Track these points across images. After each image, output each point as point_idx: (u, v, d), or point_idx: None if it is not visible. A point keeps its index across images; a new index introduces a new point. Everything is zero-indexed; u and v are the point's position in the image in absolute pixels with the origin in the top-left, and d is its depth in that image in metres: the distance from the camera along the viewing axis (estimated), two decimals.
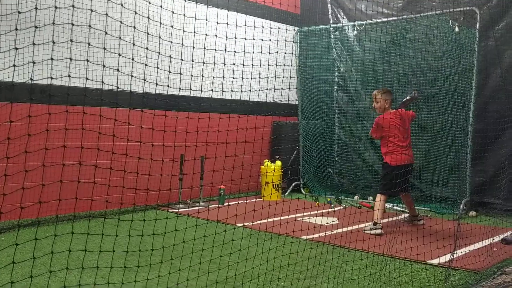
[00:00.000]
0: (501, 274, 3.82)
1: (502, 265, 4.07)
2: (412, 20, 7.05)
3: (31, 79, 3.77)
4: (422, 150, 6.81)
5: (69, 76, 2.36)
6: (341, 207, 6.80)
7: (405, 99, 5.40)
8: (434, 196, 6.81)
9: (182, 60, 3.40)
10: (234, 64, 3.76)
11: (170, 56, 3.39)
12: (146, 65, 3.12)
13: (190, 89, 3.57)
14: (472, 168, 6.45)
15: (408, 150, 5.36)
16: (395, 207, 6.75)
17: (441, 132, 6.69)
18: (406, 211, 6.04)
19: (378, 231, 5.16)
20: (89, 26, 2.42)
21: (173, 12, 3.47)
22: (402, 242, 4.34)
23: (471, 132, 6.35)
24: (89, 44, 2.42)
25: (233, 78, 3.74)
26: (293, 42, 7.98)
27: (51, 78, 2.58)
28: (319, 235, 4.90)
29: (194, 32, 3.54)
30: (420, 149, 6.77)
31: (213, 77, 3.66)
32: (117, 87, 2.68)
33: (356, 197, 7.51)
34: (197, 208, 6.32)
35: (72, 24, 2.43)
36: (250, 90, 3.79)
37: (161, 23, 3.32)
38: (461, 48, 6.53)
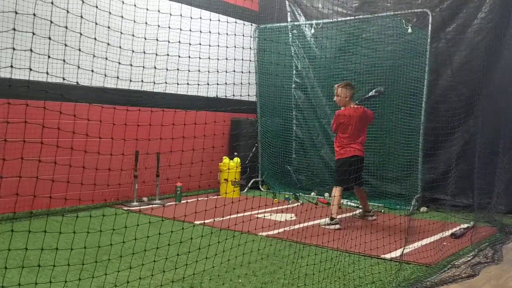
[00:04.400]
0: (451, 268, 3.96)
1: (452, 259, 4.22)
2: (367, 20, 7.19)
3: None
4: (376, 147, 6.96)
5: (11, 67, 2.24)
6: (299, 204, 6.86)
7: (370, 94, 5.51)
8: (387, 192, 6.97)
9: (144, 53, 3.31)
10: (200, 58, 3.70)
11: (133, 51, 3.29)
12: (107, 59, 3.00)
13: (151, 83, 3.48)
14: (424, 165, 6.65)
15: (357, 145, 5.45)
16: (349, 203, 6.87)
17: (394, 130, 6.86)
18: (360, 206, 6.16)
19: (336, 226, 5.25)
20: (34, 15, 2.31)
21: (122, 2, 3.32)
22: (356, 237, 4.42)
23: (423, 130, 6.55)
24: (33, 33, 2.30)
25: (196, 71, 3.68)
26: (251, 37, 7.97)
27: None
28: (276, 232, 4.92)
29: (166, 27, 3.45)
30: (373, 146, 6.92)
31: (178, 70, 3.58)
32: (63, 78, 2.56)
33: (313, 193, 7.60)
34: (153, 206, 6.21)
35: (16, 13, 2.31)
36: (204, 84, 3.74)
37: (110, 13, 3.21)
38: (413, 48, 6.71)
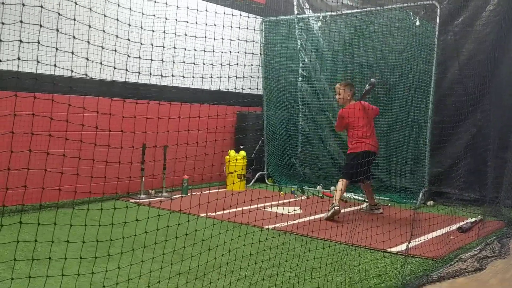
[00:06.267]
0: (458, 262, 3.95)
1: (459, 253, 4.21)
2: (375, 13, 7.14)
3: None
4: (383, 141, 6.93)
5: (18, 59, 2.23)
6: (304, 197, 6.86)
7: (365, 89, 5.54)
8: (394, 186, 6.96)
9: (152, 45, 3.30)
10: (205, 51, 3.69)
11: (142, 43, 3.27)
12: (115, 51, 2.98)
13: (156, 75, 3.48)
14: (431, 159, 6.62)
15: (370, 140, 5.51)
16: (356, 197, 6.86)
17: (401, 124, 6.83)
18: (367, 200, 6.16)
19: (336, 208, 5.29)
20: (41, 7, 2.30)
21: None
22: (363, 231, 4.42)
23: (430, 123, 6.51)
24: (40, 25, 2.29)
25: (202, 64, 3.67)
26: (257, 30, 7.94)
27: (0, 61, 2.45)
28: (281, 224, 4.92)
29: (173, 19, 3.43)
30: (380, 140, 6.88)
31: (184, 63, 3.58)
32: (71, 71, 2.55)
33: (319, 187, 7.59)
34: (160, 198, 6.23)
35: (23, 5, 2.31)
36: (208, 78, 3.73)
37: (118, 5, 3.20)
38: (421, 41, 6.67)
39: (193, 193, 5.78)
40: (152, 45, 3.31)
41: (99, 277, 3.18)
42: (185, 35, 3.45)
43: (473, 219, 5.42)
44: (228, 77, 3.78)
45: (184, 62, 3.52)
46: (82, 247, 3.24)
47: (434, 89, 6.50)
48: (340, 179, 5.54)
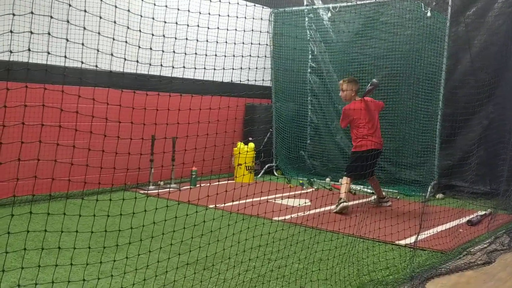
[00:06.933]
0: (467, 255, 3.93)
1: (468, 246, 4.19)
2: (385, 4, 7.08)
3: None
4: (392, 133, 6.90)
5: (29, 50, 2.24)
6: (313, 189, 6.86)
7: (367, 88, 5.51)
8: (403, 178, 6.92)
9: (153, 35, 3.30)
10: (217, 42, 3.68)
11: (152, 34, 3.25)
12: (126, 42, 2.98)
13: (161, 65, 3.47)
14: (441, 151, 6.58)
15: (374, 137, 5.47)
16: (364, 189, 6.84)
17: (411, 116, 6.78)
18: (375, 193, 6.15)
19: (343, 204, 5.28)
20: None
21: None
22: (371, 223, 4.41)
23: (441, 116, 6.46)
24: (51, 17, 2.30)
25: (213, 55, 3.66)
26: (268, 21, 7.91)
27: (11, 52, 2.46)
28: (291, 217, 4.93)
29: (185, 10, 3.42)
30: (390, 132, 6.85)
31: (186, 54, 3.57)
32: (82, 62, 2.55)
33: (327, 179, 7.58)
34: (168, 189, 6.26)
35: None
36: (216, 69, 3.71)
37: None
38: (432, 32, 6.60)
39: (202, 185, 5.80)
40: (163, 36, 3.30)
41: (108, 267, 3.21)
42: (197, 26, 3.43)
43: (483, 212, 5.39)
44: (241, 68, 3.76)
45: (196, 53, 3.51)
46: (91, 237, 3.27)
47: (444, 81, 6.44)
48: (344, 178, 5.55)
